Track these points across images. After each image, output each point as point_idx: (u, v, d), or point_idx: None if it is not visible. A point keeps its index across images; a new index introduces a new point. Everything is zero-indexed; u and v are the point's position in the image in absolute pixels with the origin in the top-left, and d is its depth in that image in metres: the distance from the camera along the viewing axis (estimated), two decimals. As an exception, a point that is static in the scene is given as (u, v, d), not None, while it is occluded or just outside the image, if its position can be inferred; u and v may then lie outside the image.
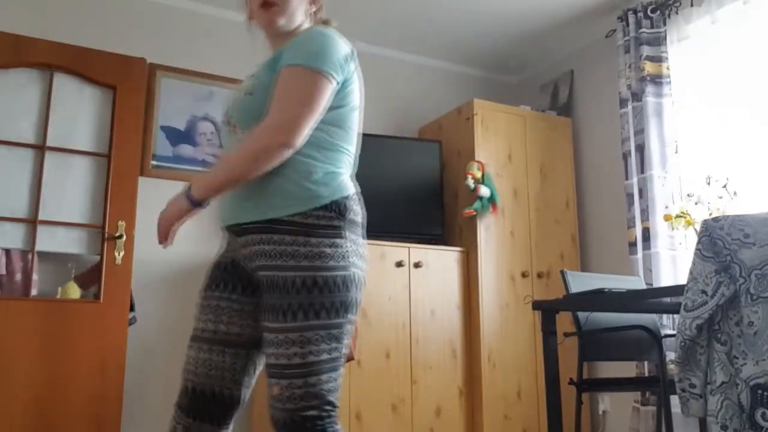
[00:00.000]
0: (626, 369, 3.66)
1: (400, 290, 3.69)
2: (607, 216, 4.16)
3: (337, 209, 1.51)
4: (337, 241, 1.49)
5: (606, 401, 3.98)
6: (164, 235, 1.61)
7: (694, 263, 1.88)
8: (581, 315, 2.88)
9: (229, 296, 1.60)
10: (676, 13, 3.75)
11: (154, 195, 3.57)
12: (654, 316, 3.14)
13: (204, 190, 1.55)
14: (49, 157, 3.31)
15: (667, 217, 3.39)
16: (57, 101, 3.36)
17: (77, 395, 3.12)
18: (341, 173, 1.58)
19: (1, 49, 3.25)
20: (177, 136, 3.79)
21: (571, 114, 4.49)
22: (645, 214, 3.68)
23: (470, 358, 3.81)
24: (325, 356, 1.46)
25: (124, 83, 3.49)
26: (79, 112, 3.40)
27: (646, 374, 3.52)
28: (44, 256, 3.27)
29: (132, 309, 3.35)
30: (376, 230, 3.85)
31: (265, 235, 1.50)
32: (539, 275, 4.05)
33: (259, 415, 3.50)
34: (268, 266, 1.50)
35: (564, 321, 2.94)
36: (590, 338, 2.92)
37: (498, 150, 4.08)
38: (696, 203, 3.27)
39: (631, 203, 3.79)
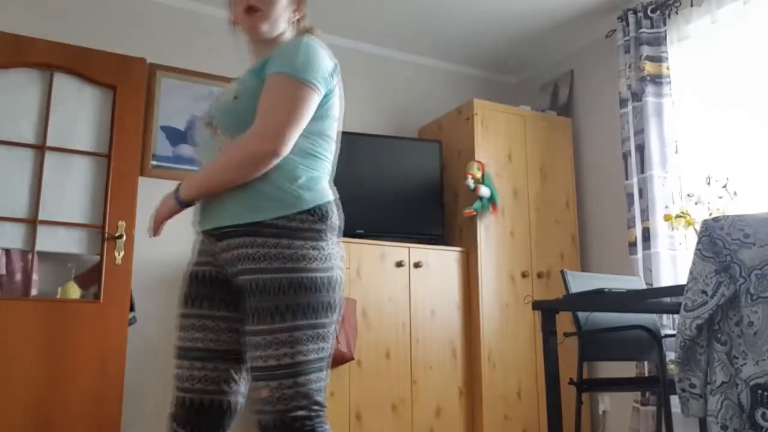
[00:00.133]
0: (626, 369, 3.65)
1: (400, 290, 3.69)
2: (607, 216, 4.16)
3: (320, 213, 1.54)
4: (320, 243, 1.51)
5: (606, 401, 3.98)
6: (156, 229, 1.69)
7: (694, 263, 1.88)
8: (581, 315, 2.88)
9: (212, 314, 1.61)
10: (676, 13, 3.75)
11: (154, 195, 3.55)
12: (654, 316, 3.14)
13: (191, 191, 1.60)
14: (49, 157, 3.31)
15: (667, 217, 3.39)
16: (57, 101, 3.36)
17: (77, 395, 3.12)
18: (323, 178, 1.61)
19: (1, 49, 3.24)
20: (177, 136, 3.79)
21: (571, 114, 4.49)
22: (645, 214, 3.68)
23: (470, 358, 3.81)
24: (313, 356, 1.47)
25: (124, 83, 3.49)
26: (79, 112, 3.40)
27: (646, 374, 3.52)
28: (44, 256, 3.27)
29: (132, 309, 3.35)
30: (376, 230, 3.88)
31: (248, 239, 1.50)
32: (539, 275, 4.05)
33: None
34: (251, 269, 1.50)
35: (564, 321, 2.94)
36: (590, 338, 2.92)
37: (498, 150, 4.08)
38: (696, 203, 3.27)
39: (631, 203, 3.79)
